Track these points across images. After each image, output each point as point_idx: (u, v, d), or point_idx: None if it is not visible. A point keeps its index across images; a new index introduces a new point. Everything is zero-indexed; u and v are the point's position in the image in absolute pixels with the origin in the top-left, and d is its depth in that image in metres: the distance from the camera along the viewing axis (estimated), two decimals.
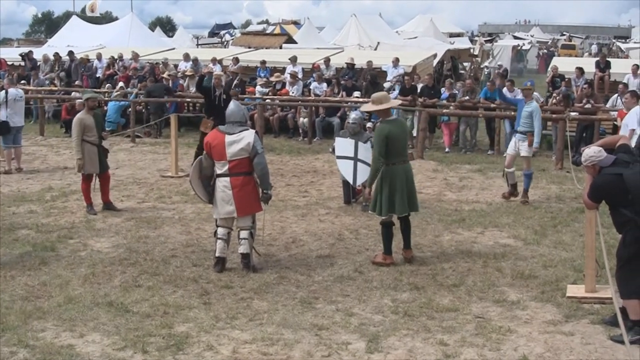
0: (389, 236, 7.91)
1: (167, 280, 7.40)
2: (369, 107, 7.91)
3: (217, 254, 7.76)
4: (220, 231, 7.75)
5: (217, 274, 7.55)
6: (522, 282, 7.33)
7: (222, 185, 7.62)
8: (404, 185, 7.74)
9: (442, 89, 17.41)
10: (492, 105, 15.76)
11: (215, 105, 12.76)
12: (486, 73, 26.38)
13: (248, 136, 7.59)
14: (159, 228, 9.44)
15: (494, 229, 9.38)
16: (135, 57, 21.49)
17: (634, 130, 9.32)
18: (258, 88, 18.72)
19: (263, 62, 20.11)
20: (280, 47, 26.08)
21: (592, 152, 6.04)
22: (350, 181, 10.29)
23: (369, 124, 12.52)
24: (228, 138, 7.59)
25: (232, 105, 7.89)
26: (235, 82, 19.03)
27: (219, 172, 7.66)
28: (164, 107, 18.00)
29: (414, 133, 16.52)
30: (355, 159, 10.27)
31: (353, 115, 10.72)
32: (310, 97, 17.85)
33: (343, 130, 11.26)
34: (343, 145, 10.45)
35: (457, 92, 16.71)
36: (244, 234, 7.69)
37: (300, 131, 17.62)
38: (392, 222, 7.91)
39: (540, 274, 7.55)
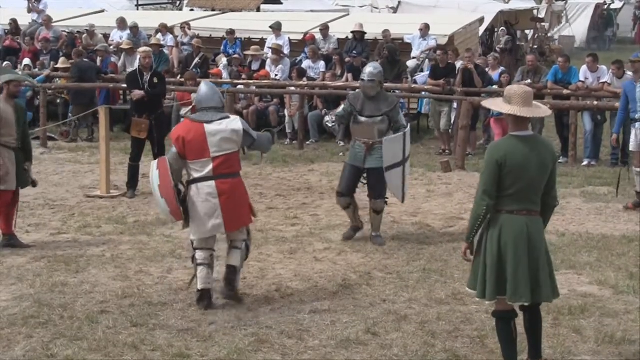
0: (505, 337, 6.77)
1: (93, 348, 7.38)
2: (501, 105, 6.63)
3: (200, 286, 8.20)
4: (201, 255, 8.22)
5: (166, 337, 7.56)
6: (612, 349, 7.35)
7: (205, 192, 8.11)
8: (525, 253, 6.51)
9: (501, 68, 17.51)
10: (565, 92, 15.84)
11: (143, 96, 12.94)
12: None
13: (234, 122, 8.20)
14: (83, 271, 9.45)
15: (568, 272, 9.42)
16: (48, 22, 21.59)
17: None
18: (223, 67, 18.80)
19: (230, 32, 20.18)
20: (258, 10, 26.24)
21: None
22: (400, 198, 10.68)
23: None
24: (209, 127, 8.09)
25: (204, 87, 8.40)
26: (196, 60, 19.16)
27: (196, 175, 8.14)
28: (89, 97, 18.04)
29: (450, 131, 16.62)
30: (403, 161, 10.45)
31: (368, 70, 10.66)
32: (301, 82, 17.94)
33: (352, 94, 11.00)
34: (392, 149, 10.38)
35: (503, 70, 16.86)
36: (236, 243, 8.33)
37: (288, 131, 17.69)
38: (512, 311, 6.76)
39: (638, 338, 7.57)
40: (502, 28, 26.46)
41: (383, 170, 10.35)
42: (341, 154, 16.21)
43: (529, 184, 6.50)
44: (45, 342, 7.49)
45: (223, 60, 19.26)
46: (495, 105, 6.88)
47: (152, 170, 8.31)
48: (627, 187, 12.66)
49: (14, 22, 22.22)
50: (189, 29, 20.82)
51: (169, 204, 8.15)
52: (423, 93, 17.64)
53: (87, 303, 8.45)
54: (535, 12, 32.28)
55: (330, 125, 11.09)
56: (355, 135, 10.65)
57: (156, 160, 8.49)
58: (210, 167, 8.09)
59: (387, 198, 10.70)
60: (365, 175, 10.60)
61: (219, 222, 8.13)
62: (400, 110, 11.04)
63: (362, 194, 10.80)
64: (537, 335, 6.84)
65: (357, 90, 11.23)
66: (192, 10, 26.89)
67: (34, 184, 10.82)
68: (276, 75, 18.42)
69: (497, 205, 6.54)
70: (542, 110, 6.77)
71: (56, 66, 18.77)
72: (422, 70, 18.86)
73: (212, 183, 8.10)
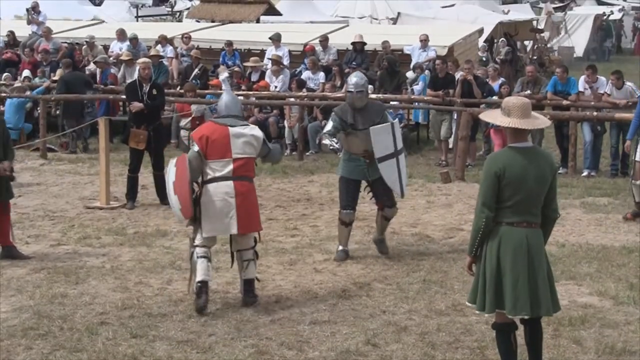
0: (505, 350, 6.72)
1: (93, 359, 7.38)
2: (500, 118, 6.57)
3: (200, 277, 8.35)
4: (201, 250, 8.45)
5: (166, 349, 7.56)
6: None
7: (223, 192, 8.39)
8: (524, 266, 6.46)
9: (501, 79, 17.53)
10: (565, 103, 15.86)
11: (142, 108, 12.98)
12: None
13: (255, 129, 8.65)
14: (82, 283, 9.45)
15: (568, 282, 9.42)
16: (47, 33, 21.63)
17: None
18: (222, 77, 18.84)
19: (229, 44, 20.21)
20: (258, 21, 26.28)
21: None
22: (398, 192, 10.38)
23: None
24: (233, 130, 8.47)
25: (226, 96, 8.82)
26: (196, 71, 19.20)
27: (216, 174, 8.42)
28: (78, 108, 17.96)
29: (450, 143, 16.63)
30: (396, 152, 10.22)
31: (354, 80, 10.33)
32: (300, 93, 17.97)
33: (339, 108, 10.57)
34: (381, 139, 10.14)
35: (503, 81, 16.85)
36: (247, 254, 8.56)
37: (287, 142, 17.70)
38: (512, 323, 6.69)
39: (638, 349, 7.57)
40: (502, 39, 26.53)
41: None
42: None
43: (528, 196, 6.46)
44: (45, 354, 7.48)
45: (224, 74, 19.20)
46: (493, 118, 6.81)
47: (170, 166, 8.57)
48: (627, 197, 12.69)
49: (11, 33, 22.26)
50: (189, 39, 20.80)
51: (182, 201, 8.32)
52: (421, 104, 17.67)
53: (87, 314, 8.45)
54: (534, 23, 32.37)
55: (336, 146, 10.60)
56: (352, 149, 10.31)
57: (175, 158, 8.70)
58: (231, 167, 8.40)
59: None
60: (367, 187, 10.44)
61: (233, 222, 8.38)
62: (387, 114, 10.78)
63: (361, 205, 10.79)
64: (538, 349, 6.80)
65: (343, 103, 10.84)
66: (198, 21, 26.94)
67: (11, 178, 10.50)
68: (276, 86, 18.44)
69: (497, 217, 6.50)
70: (541, 121, 6.74)
71: (53, 78, 18.78)
72: (418, 82, 18.86)
73: (231, 183, 8.39)
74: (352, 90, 10.29)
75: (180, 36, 21.28)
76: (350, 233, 10.51)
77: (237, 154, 8.46)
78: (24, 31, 22.72)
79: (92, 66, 19.58)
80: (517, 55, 27.18)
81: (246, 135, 8.54)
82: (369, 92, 10.71)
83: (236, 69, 19.40)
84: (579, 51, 36.59)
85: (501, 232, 6.49)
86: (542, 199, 6.55)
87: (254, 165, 8.72)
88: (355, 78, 10.46)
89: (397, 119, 10.70)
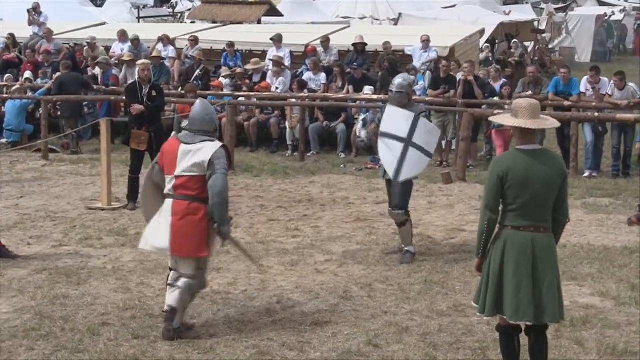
0: (507, 352, 6.71)
1: None
2: (508, 119, 6.59)
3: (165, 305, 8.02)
4: (172, 275, 8.04)
5: (168, 349, 7.57)
6: None
7: (165, 209, 7.96)
8: (528, 271, 6.40)
9: (502, 80, 17.52)
10: (567, 104, 15.86)
11: (143, 110, 13.01)
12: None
13: (208, 149, 7.85)
14: (84, 284, 9.46)
15: (570, 283, 9.41)
16: (48, 35, 21.64)
17: None
18: (222, 80, 18.85)
19: (230, 45, 20.20)
20: (259, 22, 26.28)
21: None
22: (390, 173, 10.12)
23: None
24: (184, 147, 7.92)
25: (198, 105, 8.17)
26: (197, 72, 19.20)
27: (165, 190, 8.04)
28: (74, 109, 17.94)
29: (453, 145, 16.64)
30: (407, 141, 10.02)
31: (397, 81, 10.40)
32: (302, 94, 17.97)
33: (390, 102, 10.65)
34: (394, 117, 10.11)
35: (504, 82, 16.85)
36: (181, 281, 7.91)
37: (289, 143, 17.71)
38: (516, 326, 6.64)
39: None
40: (515, 40, 26.55)
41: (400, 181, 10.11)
42: (342, 165, 16.24)
43: (533, 199, 6.38)
44: (47, 355, 7.49)
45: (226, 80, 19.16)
46: (502, 119, 6.80)
47: None
48: (629, 198, 12.68)
49: (11, 36, 22.26)
50: (195, 42, 20.72)
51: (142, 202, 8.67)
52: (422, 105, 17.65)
53: (89, 315, 8.46)
54: (535, 23, 32.36)
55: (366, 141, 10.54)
56: None
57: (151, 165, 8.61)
58: (172, 184, 7.92)
59: (408, 211, 10.37)
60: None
61: (166, 243, 7.88)
62: (427, 120, 10.66)
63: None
64: (541, 356, 6.66)
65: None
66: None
67: None
68: (277, 87, 18.44)
69: (503, 220, 6.48)
70: (549, 122, 6.69)
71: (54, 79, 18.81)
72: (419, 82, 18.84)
73: (171, 201, 7.92)
74: (392, 90, 10.38)
75: (186, 37, 21.19)
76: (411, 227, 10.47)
77: (180, 171, 7.84)
78: (25, 32, 22.72)
79: (96, 70, 19.57)
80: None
81: (195, 153, 7.83)
82: (411, 94, 10.52)
83: (239, 70, 19.40)
84: (583, 56, 36.51)
85: (507, 236, 6.46)
86: (551, 203, 6.48)
87: (203, 184, 7.82)
88: (399, 79, 10.50)
89: (425, 117, 10.32)
